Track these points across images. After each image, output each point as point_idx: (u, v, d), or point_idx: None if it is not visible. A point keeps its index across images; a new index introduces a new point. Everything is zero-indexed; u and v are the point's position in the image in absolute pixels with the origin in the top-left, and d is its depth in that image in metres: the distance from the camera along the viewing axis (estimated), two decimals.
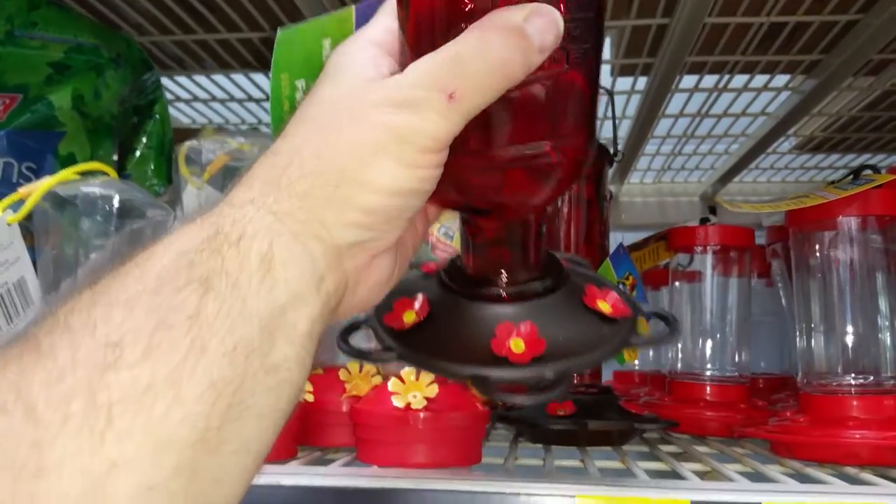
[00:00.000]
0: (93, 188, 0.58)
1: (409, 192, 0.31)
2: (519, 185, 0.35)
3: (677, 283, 0.90)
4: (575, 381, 0.75)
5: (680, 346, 0.85)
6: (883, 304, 0.65)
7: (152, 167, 0.83)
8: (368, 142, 0.30)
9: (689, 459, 0.66)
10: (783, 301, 0.94)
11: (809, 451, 0.62)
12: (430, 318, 0.40)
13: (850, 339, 0.66)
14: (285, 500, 0.50)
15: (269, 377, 0.26)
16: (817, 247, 0.67)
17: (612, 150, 0.83)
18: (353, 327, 0.43)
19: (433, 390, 0.56)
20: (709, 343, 0.84)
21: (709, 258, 0.86)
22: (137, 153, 0.84)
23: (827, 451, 0.61)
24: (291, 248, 0.29)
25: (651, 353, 1.14)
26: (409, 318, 0.39)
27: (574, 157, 0.35)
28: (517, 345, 0.37)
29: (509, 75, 0.30)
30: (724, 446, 0.73)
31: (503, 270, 0.40)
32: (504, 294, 0.40)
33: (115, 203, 0.59)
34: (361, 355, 0.42)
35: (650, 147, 1.33)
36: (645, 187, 1.54)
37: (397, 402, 0.56)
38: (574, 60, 0.32)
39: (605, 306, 0.40)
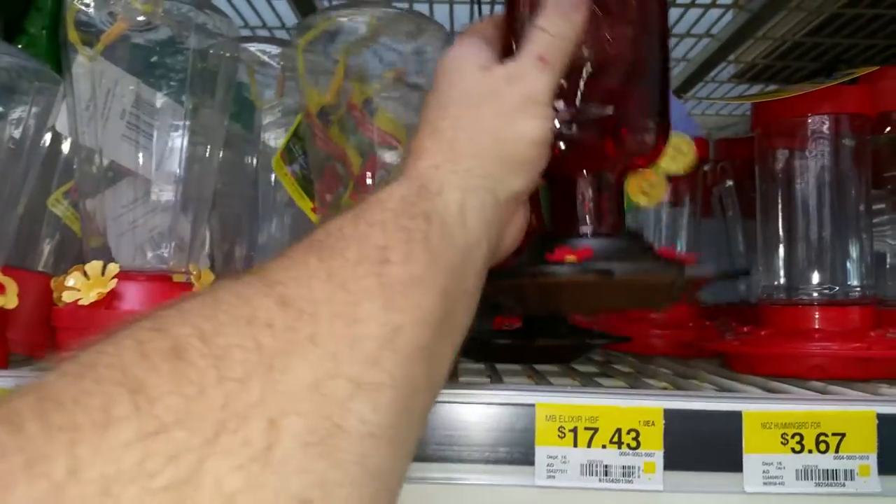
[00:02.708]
0: None
1: (544, 141, 0.40)
2: (585, 141, 0.45)
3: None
4: None
5: None
6: (851, 212, 0.61)
7: (45, 50, 0.72)
8: (507, 107, 0.40)
9: (645, 376, 0.61)
10: (727, 225, 0.90)
11: (773, 365, 0.58)
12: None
13: (814, 249, 0.61)
14: None
15: (464, 298, 0.34)
16: (784, 147, 0.62)
17: None
18: None
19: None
20: None
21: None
22: (27, 36, 0.73)
23: (793, 363, 0.57)
24: (473, 200, 0.36)
25: None
26: None
27: (632, 132, 0.45)
28: (570, 258, 0.43)
29: (569, 40, 0.42)
30: (677, 366, 0.68)
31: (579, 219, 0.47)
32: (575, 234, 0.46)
33: None
34: None
35: None
36: None
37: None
38: (619, 41, 0.45)
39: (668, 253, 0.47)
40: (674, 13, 1.08)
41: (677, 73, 1.29)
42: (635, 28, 0.46)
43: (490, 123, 0.39)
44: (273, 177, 0.69)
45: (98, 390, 0.22)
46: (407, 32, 0.57)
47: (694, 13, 1.07)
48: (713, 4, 1.05)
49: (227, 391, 0.23)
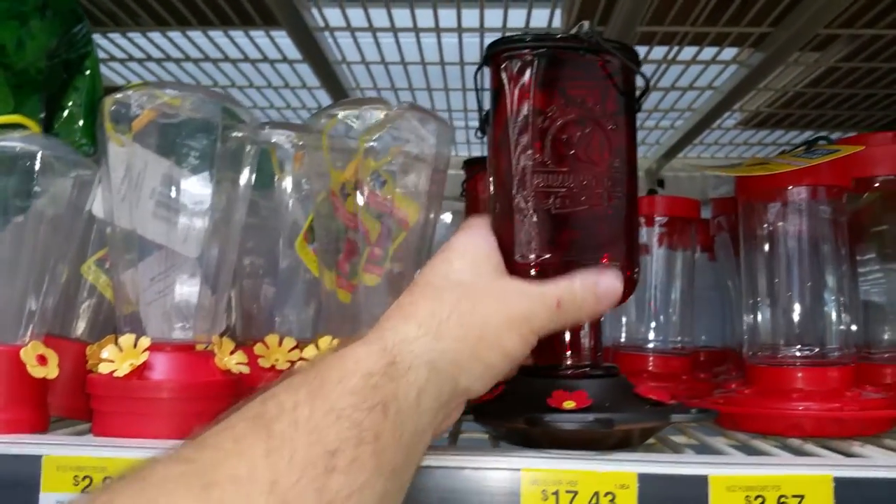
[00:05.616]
0: (12, 143, 0.54)
1: (515, 359, 0.44)
2: None
3: None
4: None
5: (623, 318, 0.84)
6: (830, 276, 0.65)
7: (80, 126, 0.78)
8: (506, 316, 0.43)
9: None
10: (726, 274, 0.94)
11: (754, 423, 0.62)
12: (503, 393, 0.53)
13: (796, 311, 0.65)
14: None
15: (399, 494, 0.37)
16: (766, 217, 0.66)
17: None
18: None
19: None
20: (653, 315, 0.84)
21: (655, 230, 0.86)
22: (66, 112, 0.79)
23: (772, 422, 0.61)
24: (434, 383, 0.39)
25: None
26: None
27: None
28: (568, 403, 0.49)
29: (585, 315, 0.48)
30: None
31: (565, 355, 0.53)
32: (564, 371, 0.52)
33: (38, 159, 0.55)
34: None
35: None
36: None
37: None
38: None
39: (649, 394, 0.52)
40: (675, 69, 1.13)
41: (682, 123, 1.34)
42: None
43: (483, 320, 0.42)
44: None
45: None
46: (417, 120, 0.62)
47: (696, 67, 1.12)
48: (713, 61, 1.09)
49: None
